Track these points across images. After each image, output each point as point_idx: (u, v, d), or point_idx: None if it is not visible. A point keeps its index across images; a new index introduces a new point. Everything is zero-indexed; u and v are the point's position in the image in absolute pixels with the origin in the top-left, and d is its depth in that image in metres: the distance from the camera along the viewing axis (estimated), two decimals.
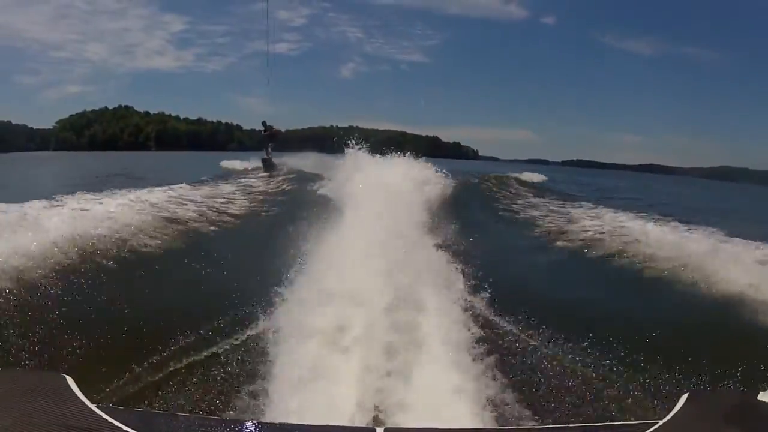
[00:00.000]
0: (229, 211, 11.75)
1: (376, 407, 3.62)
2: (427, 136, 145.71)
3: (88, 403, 1.91)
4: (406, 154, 14.47)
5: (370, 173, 10.65)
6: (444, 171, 14.54)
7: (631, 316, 6.06)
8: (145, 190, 11.53)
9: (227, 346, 4.85)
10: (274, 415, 3.51)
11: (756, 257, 7.05)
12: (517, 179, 23.42)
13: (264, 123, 24.16)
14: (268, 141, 22.98)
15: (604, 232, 10.07)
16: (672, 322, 5.70)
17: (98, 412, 1.86)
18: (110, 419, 1.81)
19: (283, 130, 24.56)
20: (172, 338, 4.91)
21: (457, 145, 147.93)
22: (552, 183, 27.33)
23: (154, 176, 20.39)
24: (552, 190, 22.34)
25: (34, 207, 7.66)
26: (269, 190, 16.31)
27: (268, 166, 21.03)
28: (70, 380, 2.03)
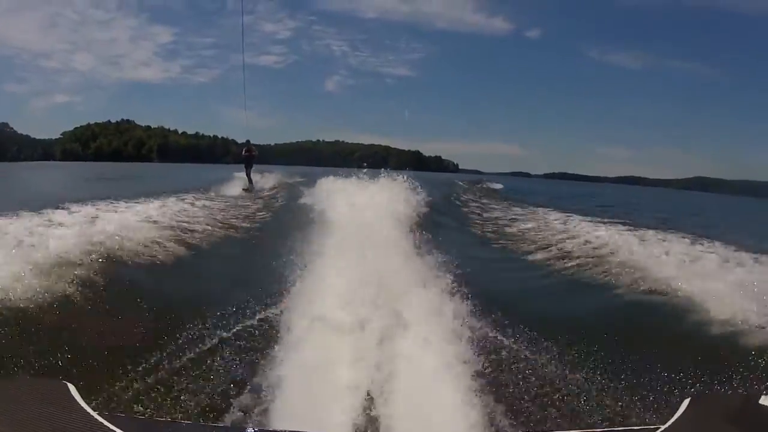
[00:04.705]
0: (227, 220, 11.33)
1: (375, 415, 3.42)
2: (409, 150, 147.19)
3: (89, 410, 1.83)
4: (387, 170, 13.73)
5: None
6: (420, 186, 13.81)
7: (631, 320, 5.65)
8: (143, 200, 11.02)
9: (231, 354, 4.46)
10: (276, 422, 3.34)
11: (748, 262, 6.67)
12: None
13: (248, 142, 22.78)
14: (247, 163, 21.40)
15: (599, 238, 9.51)
16: (673, 327, 5.30)
17: (100, 419, 1.78)
18: (112, 427, 1.75)
19: (255, 152, 22.38)
20: (174, 345, 4.52)
21: (438, 158, 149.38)
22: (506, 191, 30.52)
23: (162, 186, 19.32)
24: (507, 197, 24.90)
25: (34, 216, 7.15)
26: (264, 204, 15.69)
27: (247, 190, 19.76)
28: (71, 387, 1.94)
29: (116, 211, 9.01)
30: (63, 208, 8.22)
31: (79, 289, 5.36)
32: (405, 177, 12.54)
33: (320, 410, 3.40)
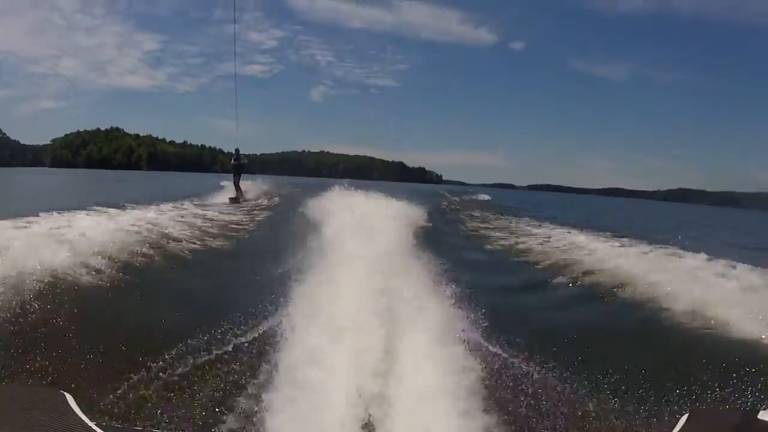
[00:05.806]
0: (223, 229, 11.20)
1: (371, 426, 3.37)
2: (393, 161, 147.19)
3: (87, 420, 1.82)
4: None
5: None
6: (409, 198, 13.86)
7: (630, 335, 5.66)
8: (140, 209, 10.99)
9: (228, 367, 4.39)
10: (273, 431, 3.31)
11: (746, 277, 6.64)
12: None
13: (237, 151, 21.79)
14: (236, 172, 20.95)
15: (592, 251, 9.51)
16: (671, 342, 5.30)
17: (98, 430, 1.78)
18: None
19: (245, 161, 22.43)
20: (172, 356, 4.46)
21: (422, 170, 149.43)
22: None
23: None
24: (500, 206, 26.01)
25: (38, 223, 7.15)
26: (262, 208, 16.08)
27: (234, 200, 19.26)
28: (69, 397, 1.93)
29: (111, 220, 8.83)
30: (58, 215, 8.12)
31: (76, 300, 5.31)
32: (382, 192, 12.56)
33: (316, 426, 3.35)
